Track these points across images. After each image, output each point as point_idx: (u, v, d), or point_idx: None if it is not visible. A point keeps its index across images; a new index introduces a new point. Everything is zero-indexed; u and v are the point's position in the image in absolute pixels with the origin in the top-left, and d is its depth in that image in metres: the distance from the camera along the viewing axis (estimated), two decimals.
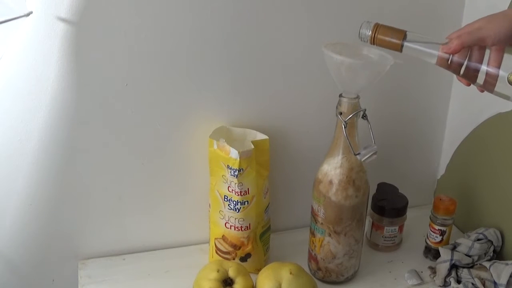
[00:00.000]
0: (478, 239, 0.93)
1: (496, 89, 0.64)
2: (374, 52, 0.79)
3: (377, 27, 0.68)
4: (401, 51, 0.68)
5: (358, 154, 0.80)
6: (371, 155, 0.80)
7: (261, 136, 0.90)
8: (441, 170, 1.13)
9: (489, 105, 0.96)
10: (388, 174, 1.04)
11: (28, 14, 0.76)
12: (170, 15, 0.83)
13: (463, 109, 1.04)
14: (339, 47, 0.78)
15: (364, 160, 0.80)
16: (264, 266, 0.85)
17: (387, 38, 0.68)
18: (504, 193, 0.95)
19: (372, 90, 0.93)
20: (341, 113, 0.81)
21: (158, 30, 0.83)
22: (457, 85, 1.05)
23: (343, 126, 0.80)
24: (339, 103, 0.81)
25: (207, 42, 0.87)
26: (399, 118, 1.06)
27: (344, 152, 0.83)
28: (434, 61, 0.67)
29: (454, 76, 1.03)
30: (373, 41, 0.68)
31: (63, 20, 0.78)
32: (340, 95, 0.81)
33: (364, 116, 0.82)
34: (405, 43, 0.67)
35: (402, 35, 0.67)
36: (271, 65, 0.92)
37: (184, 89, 0.89)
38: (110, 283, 0.90)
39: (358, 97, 0.80)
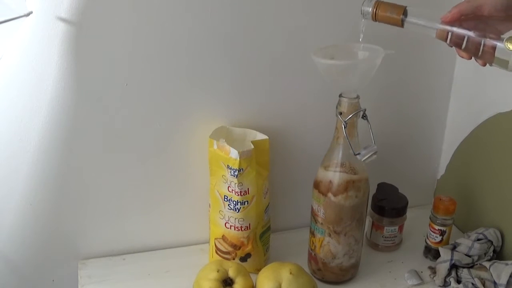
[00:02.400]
0: (478, 239, 0.93)
1: (496, 55, 0.64)
2: (365, 48, 0.80)
3: (377, 4, 0.70)
4: (402, 26, 0.70)
5: (358, 154, 0.80)
6: (371, 155, 0.80)
7: (261, 136, 0.90)
8: (441, 170, 1.13)
9: (489, 105, 0.96)
10: (388, 174, 1.04)
11: (28, 14, 0.76)
12: (170, 15, 0.83)
13: (463, 109, 1.05)
14: (331, 50, 0.79)
15: (364, 160, 0.80)
16: (264, 266, 0.86)
17: (387, 14, 0.70)
18: (504, 193, 0.95)
19: (372, 90, 0.93)
20: (341, 113, 0.81)
21: (158, 30, 0.83)
22: (457, 85, 1.05)
23: (343, 126, 0.80)
24: (339, 103, 0.81)
25: (207, 42, 0.87)
26: (399, 118, 1.06)
27: (344, 152, 0.83)
28: (434, 34, 0.68)
29: (454, 76, 1.05)
30: (375, 17, 0.71)
31: (63, 20, 0.78)
32: (340, 95, 0.81)
33: (364, 116, 0.82)
34: (406, 18, 0.69)
35: (402, 10, 0.69)
36: (271, 65, 0.92)
37: (184, 89, 0.89)
38: (110, 283, 0.90)
39: (358, 97, 0.80)
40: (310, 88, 0.95)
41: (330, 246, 0.88)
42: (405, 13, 0.69)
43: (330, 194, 0.84)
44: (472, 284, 0.88)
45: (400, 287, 0.91)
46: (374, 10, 0.70)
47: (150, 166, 0.92)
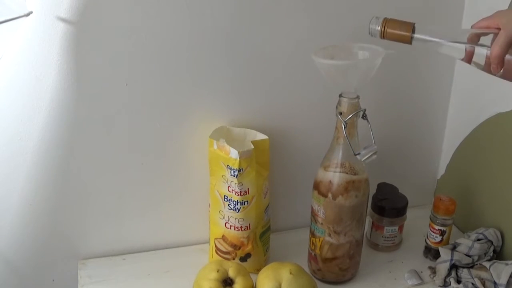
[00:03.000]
0: (478, 239, 0.93)
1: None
2: (365, 48, 0.80)
3: (385, 22, 0.70)
4: (411, 43, 0.70)
5: (358, 154, 0.80)
6: (371, 155, 0.80)
7: (261, 136, 0.90)
8: (441, 170, 1.13)
9: (489, 105, 0.96)
10: (388, 174, 1.03)
11: (28, 14, 0.76)
12: (170, 15, 0.83)
13: (463, 109, 1.05)
14: (330, 50, 0.79)
15: (364, 160, 0.80)
16: (264, 266, 0.86)
17: (396, 31, 0.70)
18: (504, 193, 0.95)
19: (372, 90, 0.93)
20: (341, 113, 0.81)
21: (158, 30, 0.83)
22: (457, 85, 1.05)
23: (343, 126, 0.80)
24: (339, 103, 0.81)
25: (207, 42, 0.87)
26: (399, 118, 1.06)
27: (344, 152, 0.83)
28: (443, 51, 0.69)
29: (454, 76, 1.04)
30: (383, 35, 0.71)
31: (63, 20, 0.78)
32: (340, 95, 0.81)
33: (364, 116, 0.82)
34: (415, 35, 0.69)
35: (411, 27, 0.69)
36: (271, 65, 0.92)
37: (184, 89, 0.89)
38: (110, 283, 0.90)
39: (358, 97, 0.80)
40: (310, 88, 0.95)
41: (330, 246, 0.88)
42: (413, 30, 0.69)
43: (330, 194, 0.84)
44: (472, 284, 0.88)
45: (400, 287, 0.91)
46: (383, 28, 0.70)
47: (150, 166, 0.92)
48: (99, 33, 0.81)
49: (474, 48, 0.66)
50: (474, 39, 0.67)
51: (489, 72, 0.66)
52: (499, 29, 0.64)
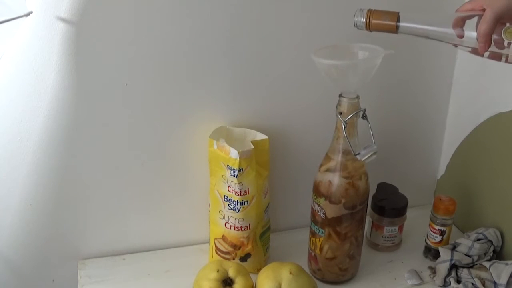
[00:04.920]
0: (478, 239, 0.93)
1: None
2: (365, 48, 0.80)
3: (370, 13, 0.70)
4: (397, 32, 0.70)
5: (358, 154, 0.80)
6: (371, 155, 0.81)
7: (261, 136, 0.90)
8: (441, 170, 1.13)
9: (489, 105, 0.96)
10: (388, 174, 1.04)
11: (28, 14, 0.76)
12: (170, 15, 0.83)
13: (463, 109, 1.05)
14: (330, 50, 0.79)
15: (364, 160, 0.80)
16: (264, 266, 0.86)
17: (381, 22, 0.70)
18: (504, 193, 0.95)
19: (372, 90, 0.93)
20: (341, 113, 0.81)
21: (158, 30, 0.83)
22: (457, 85, 1.05)
23: (343, 126, 0.80)
24: (339, 103, 0.81)
25: (207, 42, 0.87)
26: (399, 118, 1.06)
27: (344, 152, 0.83)
28: (430, 37, 0.68)
29: (454, 76, 1.05)
30: (369, 26, 0.71)
31: (63, 20, 0.78)
32: (340, 95, 0.81)
33: (364, 116, 0.82)
34: (400, 24, 0.69)
35: (396, 16, 0.69)
36: (271, 65, 0.92)
37: (184, 89, 0.89)
38: (110, 283, 0.90)
39: (358, 97, 0.80)
40: (310, 88, 0.95)
41: (330, 246, 0.88)
42: (398, 19, 0.69)
43: (330, 194, 0.84)
44: (472, 284, 0.88)
45: (400, 287, 0.92)
46: (368, 19, 0.70)
47: (150, 166, 0.92)
48: (99, 33, 0.81)
49: (460, 31, 0.66)
50: (460, 23, 0.66)
51: (477, 54, 0.66)
52: (483, 10, 0.64)
